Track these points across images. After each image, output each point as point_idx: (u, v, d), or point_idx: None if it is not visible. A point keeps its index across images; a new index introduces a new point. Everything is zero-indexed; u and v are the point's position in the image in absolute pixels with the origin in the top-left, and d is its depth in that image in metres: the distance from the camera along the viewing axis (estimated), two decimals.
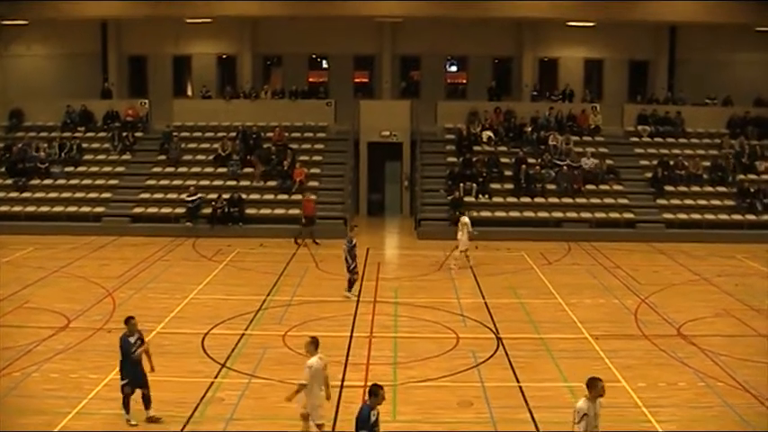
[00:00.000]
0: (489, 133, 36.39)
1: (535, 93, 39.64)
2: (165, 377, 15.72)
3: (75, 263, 26.54)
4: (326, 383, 12.61)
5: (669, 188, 33.93)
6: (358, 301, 21.92)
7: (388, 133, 36.82)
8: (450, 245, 29.61)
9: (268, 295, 22.43)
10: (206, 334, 18.68)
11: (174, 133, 36.63)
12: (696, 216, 32.64)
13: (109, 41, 40.32)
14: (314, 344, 12.59)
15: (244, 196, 32.71)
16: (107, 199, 33.50)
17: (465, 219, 26.77)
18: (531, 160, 34.65)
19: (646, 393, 15.12)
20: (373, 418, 10.67)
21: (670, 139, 37.06)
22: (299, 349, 17.41)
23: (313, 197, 31.82)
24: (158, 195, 33.55)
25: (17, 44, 40.30)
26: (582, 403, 10.58)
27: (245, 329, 19.17)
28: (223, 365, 16.56)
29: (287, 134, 36.42)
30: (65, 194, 33.60)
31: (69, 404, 14.27)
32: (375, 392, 10.79)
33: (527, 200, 33.15)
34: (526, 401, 14.66)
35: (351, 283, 22.44)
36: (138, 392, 13.68)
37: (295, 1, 36.94)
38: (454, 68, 42.47)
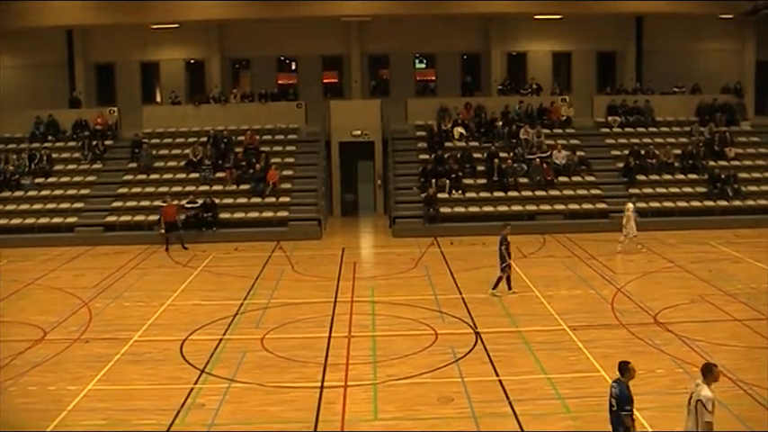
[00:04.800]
0: (461, 129, 36.43)
1: (500, 87, 39.71)
2: (144, 385, 15.71)
3: (50, 274, 26.30)
4: None
5: (641, 177, 34.14)
6: (335, 301, 21.89)
7: (359, 132, 36.82)
8: (425, 242, 29.83)
9: (245, 299, 22.31)
10: (184, 340, 18.58)
11: (145, 140, 36.37)
12: (668, 204, 32.87)
13: (75, 50, 40.04)
14: None
15: (217, 201, 32.56)
16: (79, 209, 33.18)
17: (630, 205, 27.95)
18: (502, 154, 34.73)
19: None
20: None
21: (640, 129, 37.31)
22: (278, 352, 17.50)
23: (174, 202, 31.02)
24: (131, 203, 33.28)
25: None
26: (707, 391, 10.39)
27: (223, 334, 19.09)
28: (202, 371, 16.48)
29: (258, 137, 36.29)
30: (36, 206, 33.25)
31: (48, 417, 14.09)
32: (626, 369, 10.85)
33: (500, 194, 33.21)
34: (506, 395, 14.68)
35: (500, 281, 22.12)
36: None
37: (261, 2, 36.91)
38: (423, 66, 42.55)
